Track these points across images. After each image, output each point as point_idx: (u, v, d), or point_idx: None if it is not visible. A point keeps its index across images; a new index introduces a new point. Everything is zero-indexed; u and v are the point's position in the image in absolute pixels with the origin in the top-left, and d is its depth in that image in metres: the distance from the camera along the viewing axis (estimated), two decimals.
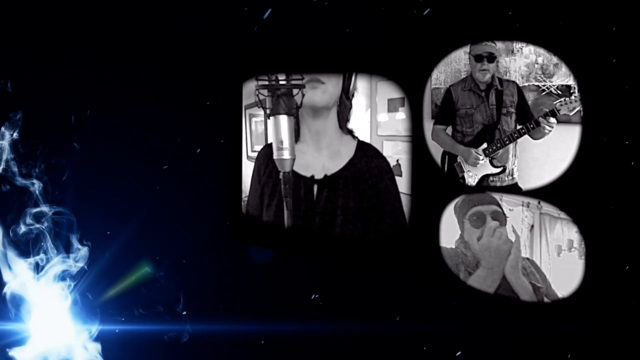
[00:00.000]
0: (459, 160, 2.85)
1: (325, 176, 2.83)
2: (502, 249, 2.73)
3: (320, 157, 2.86)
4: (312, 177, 2.84)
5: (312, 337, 2.94)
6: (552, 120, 2.62)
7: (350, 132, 2.88)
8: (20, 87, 2.90)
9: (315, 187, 2.84)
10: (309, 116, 2.82)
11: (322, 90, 2.80)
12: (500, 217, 2.74)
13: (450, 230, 2.81)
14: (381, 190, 2.82)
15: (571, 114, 2.58)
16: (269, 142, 2.94)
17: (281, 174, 2.79)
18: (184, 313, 2.98)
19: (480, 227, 2.78)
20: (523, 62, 2.70)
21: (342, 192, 2.82)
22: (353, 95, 2.86)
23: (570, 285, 2.58)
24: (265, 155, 2.95)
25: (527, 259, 2.69)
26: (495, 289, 2.76)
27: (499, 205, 2.75)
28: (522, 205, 2.70)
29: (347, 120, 2.87)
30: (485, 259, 2.77)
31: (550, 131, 2.63)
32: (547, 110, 2.63)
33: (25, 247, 2.91)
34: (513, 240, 2.72)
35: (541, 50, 2.64)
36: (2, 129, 2.84)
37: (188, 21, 2.97)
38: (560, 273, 2.61)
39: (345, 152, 2.85)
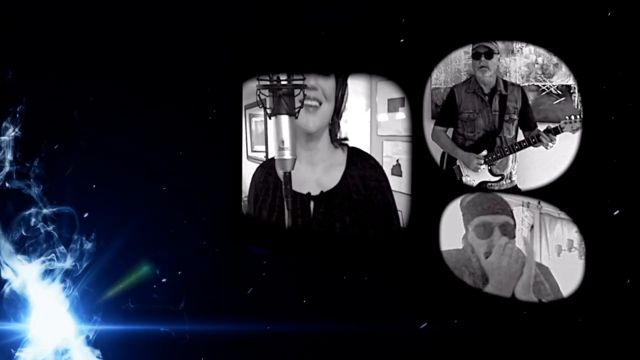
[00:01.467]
0: (458, 163, 2.85)
1: (322, 192, 2.83)
2: (514, 269, 2.65)
3: (314, 173, 2.85)
4: (309, 194, 2.84)
5: (312, 337, 2.94)
6: (555, 137, 2.62)
7: (340, 144, 2.86)
8: (22, 88, 2.90)
9: (312, 204, 2.84)
10: (302, 138, 2.81)
11: (316, 115, 2.78)
12: (510, 230, 2.67)
13: (455, 229, 2.77)
14: (376, 197, 2.80)
15: (573, 134, 2.58)
16: (269, 142, 2.94)
17: (282, 173, 2.79)
18: (182, 309, 2.98)
19: (486, 239, 2.71)
20: (523, 62, 2.70)
21: (338, 207, 2.81)
22: (342, 113, 2.86)
23: (570, 285, 2.58)
24: (263, 172, 2.95)
25: (540, 265, 2.65)
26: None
27: (511, 215, 2.68)
28: (522, 206, 2.69)
29: (337, 132, 2.86)
30: (494, 277, 2.70)
31: (551, 147, 2.63)
32: (551, 127, 2.63)
33: (25, 245, 2.91)
34: (525, 255, 2.63)
35: (541, 50, 2.64)
36: (5, 123, 2.83)
37: (188, 21, 2.97)
38: (561, 273, 2.61)
39: (338, 165, 2.84)
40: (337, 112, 2.82)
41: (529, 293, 2.65)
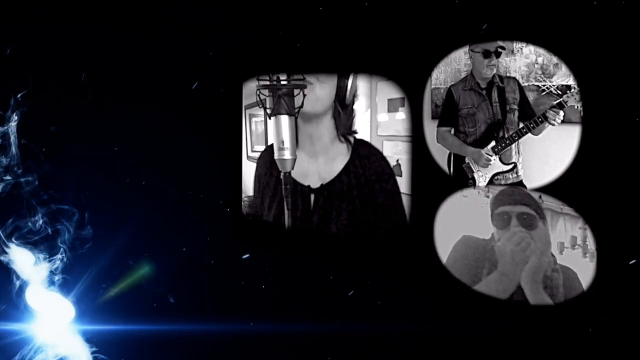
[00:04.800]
0: (467, 161, 2.87)
1: (322, 185, 2.82)
2: (519, 256, 2.62)
3: (316, 164, 2.84)
4: (309, 186, 2.83)
5: (312, 337, 2.94)
6: (560, 112, 2.65)
7: (346, 139, 2.84)
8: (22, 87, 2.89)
9: (312, 197, 2.83)
10: (300, 120, 2.79)
11: (308, 95, 2.74)
12: (529, 220, 2.63)
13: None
14: (378, 192, 2.79)
15: (578, 106, 2.61)
16: (269, 142, 2.94)
17: (282, 174, 2.79)
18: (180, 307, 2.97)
19: (505, 228, 2.67)
20: (523, 62, 2.72)
21: (337, 201, 2.80)
22: (353, 103, 2.82)
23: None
24: (265, 163, 2.94)
25: (566, 268, 2.60)
26: (505, 297, 2.69)
27: (533, 206, 2.65)
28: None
29: (349, 127, 2.82)
30: (500, 263, 2.67)
31: (557, 124, 2.66)
32: (554, 103, 2.66)
33: (24, 243, 2.90)
34: (539, 247, 2.58)
35: (541, 50, 2.67)
36: (8, 112, 2.81)
37: (188, 21, 2.97)
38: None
39: (340, 158, 2.83)
40: (342, 102, 2.79)
41: (536, 286, 2.62)
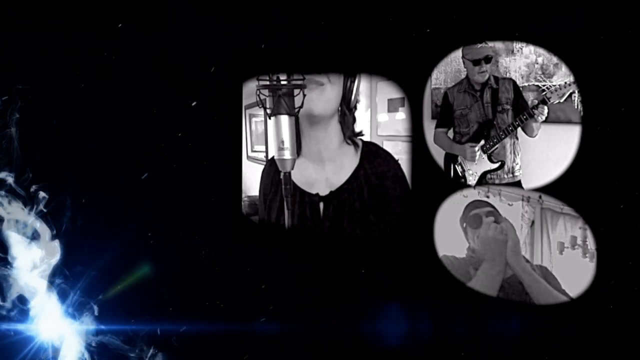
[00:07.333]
0: (459, 160, 2.88)
1: (331, 192, 2.81)
2: (499, 238, 2.76)
3: (323, 171, 2.82)
4: (317, 194, 2.82)
5: (312, 337, 2.94)
6: (545, 108, 2.66)
7: (354, 142, 2.82)
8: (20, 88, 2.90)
9: (322, 205, 2.82)
10: (306, 124, 2.79)
11: (318, 96, 2.73)
12: (495, 215, 2.78)
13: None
14: (391, 194, 2.78)
15: (562, 100, 2.62)
16: (269, 142, 2.94)
17: (282, 173, 2.78)
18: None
19: (478, 227, 2.80)
20: (523, 62, 2.73)
21: (349, 206, 2.79)
22: (355, 108, 2.82)
23: (575, 285, 2.60)
24: (269, 175, 2.93)
25: (540, 266, 2.71)
26: (500, 281, 2.76)
27: (492, 206, 2.79)
28: (522, 200, 2.72)
29: (353, 129, 2.82)
30: (487, 252, 2.78)
31: (542, 120, 2.67)
32: (538, 100, 2.67)
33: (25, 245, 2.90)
34: (510, 228, 2.75)
35: (541, 50, 2.67)
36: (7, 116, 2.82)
37: (188, 20, 2.97)
38: (564, 272, 2.63)
39: (350, 162, 2.82)
40: (347, 105, 2.78)
41: (519, 258, 2.73)
